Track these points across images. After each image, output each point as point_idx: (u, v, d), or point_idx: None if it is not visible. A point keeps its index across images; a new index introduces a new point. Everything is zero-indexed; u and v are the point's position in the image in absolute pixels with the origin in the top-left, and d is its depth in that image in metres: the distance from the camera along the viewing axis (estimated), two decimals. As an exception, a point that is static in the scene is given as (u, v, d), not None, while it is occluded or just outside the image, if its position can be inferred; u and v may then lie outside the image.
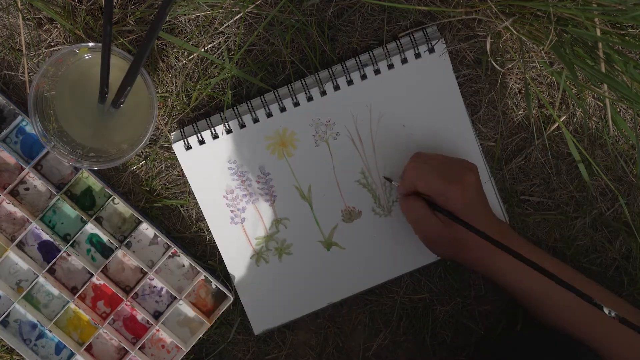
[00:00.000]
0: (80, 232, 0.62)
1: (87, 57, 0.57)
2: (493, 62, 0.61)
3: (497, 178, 0.64)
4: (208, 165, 0.62)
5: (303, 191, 0.63)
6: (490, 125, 0.64)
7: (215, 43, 0.61)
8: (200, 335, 0.63)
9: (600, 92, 0.61)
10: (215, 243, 0.64)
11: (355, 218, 0.64)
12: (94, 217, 0.62)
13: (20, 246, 0.63)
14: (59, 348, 0.64)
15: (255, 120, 0.62)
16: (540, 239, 0.65)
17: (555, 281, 0.49)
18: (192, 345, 0.63)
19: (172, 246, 0.63)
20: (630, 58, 0.54)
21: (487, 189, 0.63)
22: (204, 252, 0.65)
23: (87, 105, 0.57)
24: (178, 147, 0.62)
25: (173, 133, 0.62)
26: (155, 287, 0.64)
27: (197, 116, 0.63)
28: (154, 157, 0.63)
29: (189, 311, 0.64)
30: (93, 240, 0.64)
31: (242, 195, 0.63)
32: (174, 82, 0.62)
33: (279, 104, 0.61)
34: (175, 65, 0.62)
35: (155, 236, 0.64)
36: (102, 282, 0.63)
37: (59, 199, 0.62)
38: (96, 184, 0.63)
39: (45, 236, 0.63)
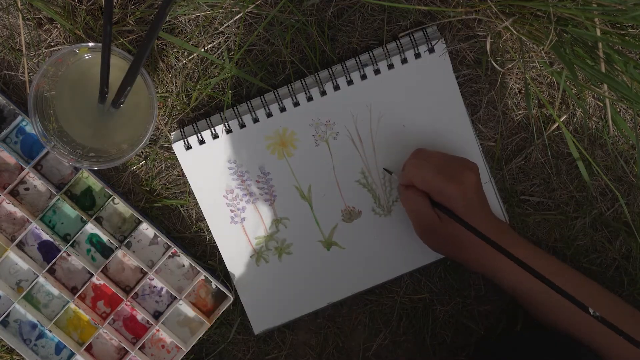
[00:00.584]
0: (80, 232, 0.62)
1: (87, 57, 0.57)
2: (493, 62, 0.61)
3: (497, 178, 0.64)
4: (208, 165, 0.62)
5: (303, 191, 0.63)
6: (490, 125, 0.64)
7: (215, 43, 0.61)
8: (200, 335, 0.63)
9: (600, 92, 0.61)
10: (215, 243, 0.64)
11: (355, 218, 0.64)
12: (94, 217, 0.62)
13: (20, 246, 0.63)
14: (59, 348, 0.64)
15: (255, 120, 0.62)
16: (540, 239, 0.65)
17: (547, 284, 0.49)
18: (192, 345, 0.63)
19: (172, 246, 0.63)
20: (630, 58, 0.54)
21: (487, 189, 0.63)
22: (204, 252, 0.65)
23: (87, 105, 0.57)
24: (178, 147, 0.62)
25: (173, 133, 0.62)
26: (155, 287, 0.64)
27: (197, 116, 0.63)
28: (154, 157, 0.63)
29: (189, 311, 0.64)
30: (93, 240, 0.64)
31: (242, 195, 0.63)
32: (174, 82, 0.62)
33: (279, 104, 0.61)
34: (175, 65, 0.62)
35: (155, 236, 0.64)
36: (102, 282, 0.63)
37: (59, 199, 0.62)
38: (96, 184, 0.63)
39: (45, 236, 0.63)
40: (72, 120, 0.58)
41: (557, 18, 0.54)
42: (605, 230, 0.65)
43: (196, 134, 0.61)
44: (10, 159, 0.63)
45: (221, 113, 0.62)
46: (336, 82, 0.61)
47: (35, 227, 0.63)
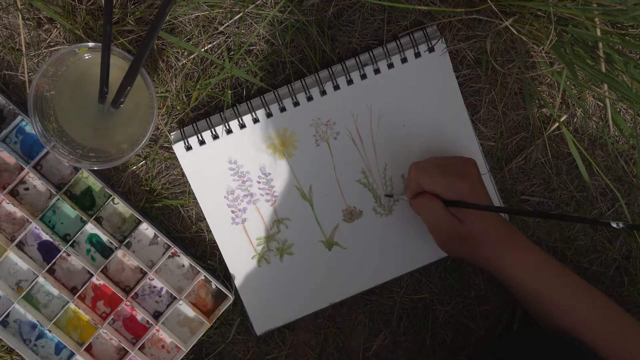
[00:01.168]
0: (80, 232, 0.62)
1: (87, 57, 0.57)
2: (493, 62, 0.61)
3: (497, 178, 0.64)
4: (208, 166, 0.62)
5: (304, 191, 0.63)
6: (490, 125, 0.64)
7: (215, 43, 0.61)
8: (200, 335, 0.63)
9: (601, 92, 0.61)
10: (215, 243, 0.64)
11: (356, 218, 0.64)
12: (93, 217, 0.62)
13: (20, 246, 0.63)
14: (58, 348, 0.64)
15: (256, 121, 0.62)
16: (540, 239, 0.65)
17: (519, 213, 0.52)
18: (192, 345, 0.63)
19: (172, 246, 0.62)
20: (630, 58, 0.54)
21: (487, 189, 0.63)
22: (204, 252, 0.65)
23: (87, 105, 0.57)
24: (178, 148, 0.62)
25: (173, 133, 0.62)
26: (155, 287, 0.64)
27: (197, 116, 0.63)
28: (154, 157, 0.63)
29: (188, 311, 0.64)
30: (93, 240, 0.64)
31: (242, 196, 0.63)
32: (174, 82, 0.62)
33: (279, 104, 0.61)
34: (175, 65, 0.62)
35: (155, 236, 0.64)
36: (102, 282, 0.63)
37: (58, 199, 0.62)
38: (96, 184, 0.63)
39: (45, 236, 0.63)
40: (72, 120, 0.58)
41: (557, 18, 0.54)
42: (605, 230, 0.65)
43: (196, 134, 0.61)
44: (10, 159, 0.63)
45: (221, 113, 0.61)
46: (336, 81, 0.61)
47: (35, 227, 0.63)
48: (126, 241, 0.63)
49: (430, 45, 0.61)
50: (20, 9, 0.60)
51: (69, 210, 0.63)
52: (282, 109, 0.61)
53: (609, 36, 0.55)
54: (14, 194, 0.63)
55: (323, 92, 0.61)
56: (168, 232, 0.65)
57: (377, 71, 0.61)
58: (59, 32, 0.61)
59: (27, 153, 0.63)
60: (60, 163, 0.63)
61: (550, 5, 0.52)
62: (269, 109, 0.61)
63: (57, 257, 0.63)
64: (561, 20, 0.54)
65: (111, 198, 0.62)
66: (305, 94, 0.61)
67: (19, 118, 0.62)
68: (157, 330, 0.64)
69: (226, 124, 0.61)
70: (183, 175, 0.64)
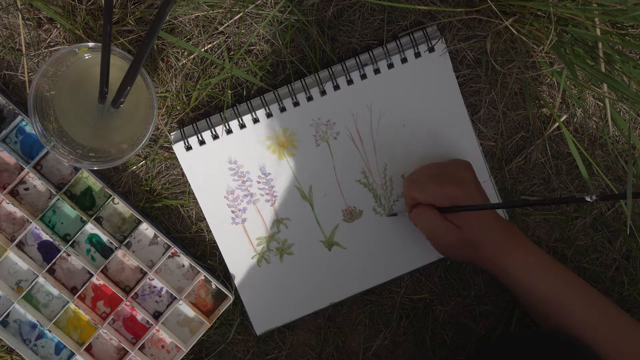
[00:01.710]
0: (80, 232, 0.62)
1: (87, 57, 0.57)
2: (493, 62, 0.61)
3: (497, 178, 0.64)
4: (208, 165, 0.62)
5: (304, 191, 0.63)
6: (490, 125, 0.64)
7: (215, 43, 0.61)
8: (200, 335, 0.63)
9: (600, 92, 0.61)
10: (215, 243, 0.64)
11: (356, 218, 0.64)
12: (93, 217, 0.62)
13: (20, 246, 0.63)
14: (58, 348, 0.64)
15: (256, 121, 0.62)
16: (540, 238, 0.65)
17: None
18: (192, 345, 0.63)
19: (172, 246, 0.62)
20: (630, 58, 0.54)
21: (488, 189, 0.63)
22: (204, 252, 0.65)
23: (87, 105, 0.57)
24: (178, 148, 0.62)
25: (173, 133, 0.62)
26: (155, 287, 0.64)
27: (197, 116, 0.63)
28: (154, 157, 0.63)
29: (188, 311, 0.64)
30: (93, 240, 0.64)
31: (242, 196, 0.63)
32: (174, 82, 0.62)
33: (279, 104, 0.61)
34: (175, 65, 0.62)
35: (155, 236, 0.64)
36: (102, 282, 0.63)
37: (58, 199, 0.62)
38: (96, 184, 0.63)
39: (45, 236, 0.63)
40: (72, 120, 0.58)
41: (557, 18, 0.54)
42: (605, 230, 0.65)
43: (196, 134, 0.61)
44: (10, 159, 0.63)
45: (221, 113, 0.61)
46: (336, 81, 0.61)
47: (35, 227, 0.63)
48: (126, 241, 0.63)
49: (430, 45, 0.61)
50: (20, 9, 0.60)
51: (69, 210, 0.63)
52: (282, 109, 0.61)
53: (608, 36, 0.55)
54: (14, 194, 0.63)
55: (323, 92, 0.61)
56: (168, 232, 0.65)
57: (377, 71, 0.61)
58: (59, 32, 0.61)
59: (27, 153, 0.63)
60: (60, 163, 0.63)
61: (550, 5, 0.52)
62: (269, 109, 0.61)
63: (57, 257, 0.63)
64: (561, 20, 0.54)
65: (111, 198, 0.62)
66: (305, 94, 0.61)
67: (19, 118, 0.62)
68: (157, 330, 0.64)
69: (226, 124, 0.61)
70: (183, 175, 0.64)
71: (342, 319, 0.66)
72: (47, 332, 0.63)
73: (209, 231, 0.64)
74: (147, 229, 0.63)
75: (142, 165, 0.63)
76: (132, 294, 0.63)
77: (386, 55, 0.61)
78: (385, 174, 0.63)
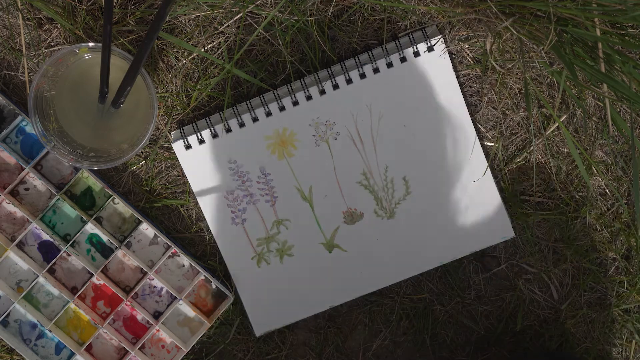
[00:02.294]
0: (80, 232, 0.62)
1: (87, 57, 0.57)
2: (493, 62, 0.61)
3: (497, 178, 0.64)
4: (208, 165, 0.62)
5: (304, 192, 0.63)
6: (490, 125, 0.64)
7: (215, 43, 0.61)
8: (200, 335, 0.63)
9: (600, 92, 0.61)
10: (215, 243, 0.64)
11: (357, 220, 0.63)
12: (94, 217, 0.62)
13: (20, 246, 0.63)
14: (59, 348, 0.64)
15: (255, 120, 0.62)
16: (540, 239, 0.65)
17: None
18: (192, 345, 0.63)
19: (172, 246, 0.63)
20: (630, 58, 0.54)
21: (488, 189, 0.63)
22: (204, 252, 0.65)
23: (87, 105, 0.57)
24: (178, 147, 0.62)
25: (173, 132, 0.62)
26: (155, 287, 0.64)
27: (197, 116, 0.63)
28: (154, 157, 0.63)
29: (189, 311, 0.64)
30: (93, 240, 0.64)
31: (242, 196, 0.63)
32: (174, 82, 0.62)
33: (278, 103, 0.61)
34: (175, 65, 0.62)
35: (155, 236, 0.64)
36: (102, 282, 0.63)
37: (59, 199, 0.62)
38: (96, 184, 0.63)
39: (45, 236, 0.63)
40: (72, 120, 0.58)
41: (557, 18, 0.54)
42: (605, 230, 0.65)
43: (196, 133, 0.61)
44: (10, 159, 0.63)
45: (221, 113, 0.61)
46: (335, 80, 0.61)
47: (35, 227, 0.63)
48: (126, 241, 0.63)
49: (429, 45, 0.61)
50: (20, 9, 0.60)
51: (69, 210, 0.63)
52: (282, 108, 0.61)
53: (608, 36, 0.55)
54: (14, 194, 0.63)
55: (322, 92, 0.61)
56: (168, 232, 0.65)
57: (376, 70, 0.61)
58: (59, 32, 0.61)
59: (27, 153, 0.63)
60: (61, 163, 0.63)
61: (550, 5, 0.52)
62: (268, 107, 0.61)
63: (57, 257, 0.63)
64: (561, 20, 0.54)
65: (111, 198, 0.62)
66: (304, 93, 0.61)
67: (19, 118, 0.62)
68: (157, 330, 0.64)
69: (226, 123, 0.61)
70: (183, 175, 0.64)
71: (342, 319, 0.66)
72: (47, 332, 0.63)
73: (209, 231, 0.64)
74: (147, 229, 0.63)
75: (142, 165, 0.64)
76: (132, 294, 0.63)
77: (385, 54, 0.61)
78: (387, 176, 0.63)
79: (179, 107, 0.62)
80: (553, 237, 0.65)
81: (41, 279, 0.63)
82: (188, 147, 0.62)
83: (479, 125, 0.64)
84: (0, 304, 0.63)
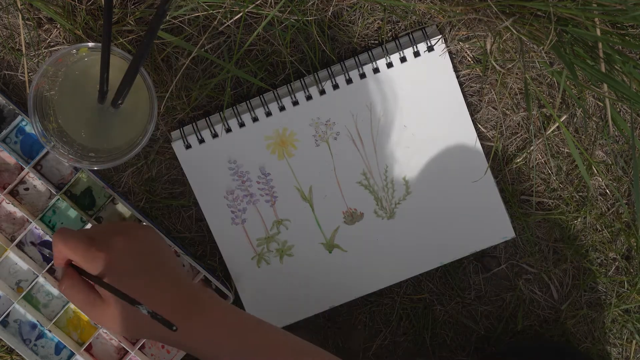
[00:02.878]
0: (80, 232, 0.62)
1: (87, 57, 0.57)
2: (493, 62, 0.61)
3: (497, 178, 0.64)
4: (208, 165, 0.62)
5: (304, 192, 0.63)
6: (490, 125, 0.64)
7: (215, 43, 0.61)
8: (200, 335, 0.63)
9: (600, 92, 0.61)
10: (215, 243, 0.64)
11: (357, 220, 0.63)
12: (93, 217, 0.62)
13: (20, 246, 0.63)
14: (58, 348, 0.64)
15: (255, 119, 0.62)
16: (540, 238, 0.65)
17: (112, 291, 0.49)
18: (192, 345, 0.63)
19: (172, 246, 0.62)
20: (630, 58, 0.54)
21: (488, 189, 0.63)
22: (204, 252, 0.65)
23: (87, 105, 0.57)
24: (177, 146, 0.62)
25: (173, 132, 0.62)
26: (155, 287, 0.64)
27: (196, 116, 0.63)
28: (154, 157, 0.63)
29: (189, 311, 0.64)
30: (93, 240, 0.64)
31: (242, 196, 0.63)
32: (174, 82, 0.62)
33: (277, 103, 0.61)
34: (175, 65, 0.62)
35: (155, 236, 0.64)
36: (102, 282, 0.63)
37: (59, 199, 0.62)
38: (96, 184, 0.63)
39: (46, 236, 0.63)
40: (72, 120, 0.58)
41: (557, 18, 0.54)
42: (605, 230, 0.65)
43: (195, 133, 0.61)
44: (10, 159, 0.63)
45: (220, 113, 0.61)
46: (335, 80, 0.61)
47: (35, 227, 0.63)
48: (126, 241, 0.63)
49: (429, 45, 0.61)
50: (20, 9, 0.60)
51: (69, 210, 0.63)
52: (282, 108, 0.61)
53: (608, 36, 0.55)
54: (14, 194, 0.63)
55: (322, 92, 0.61)
56: (168, 232, 0.65)
57: (376, 70, 0.61)
58: (59, 32, 0.61)
59: (27, 153, 0.63)
60: (60, 163, 0.63)
61: (550, 5, 0.52)
62: (267, 107, 0.61)
63: (57, 257, 0.63)
64: (561, 20, 0.54)
65: (111, 198, 0.62)
66: (304, 92, 0.61)
67: (19, 118, 0.62)
68: (157, 330, 0.64)
69: (225, 123, 0.61)
70: (183, 175, 0.64)
71: (342, 319, 0.66)
72: (47, 332, 0.63)
73: (209, 231, 0.64)
74: (147, 229, 0.63)
75: (142, 165, 0.63)
76: (132, 294, 0.63)
77: (385, 54, 0.61)
78: (387, 176, 0.63)
79: (179, 107, 0.62)
80: (553, 237, 0.65)
81: (41, 279, 0.63)
82: (188, 147, 0.62)
83: (479, 125, 0.64)
84: (0, 304, 0.63)
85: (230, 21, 0.61)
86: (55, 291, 0.64)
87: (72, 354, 0.63)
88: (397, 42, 0.61)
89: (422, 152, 0.63)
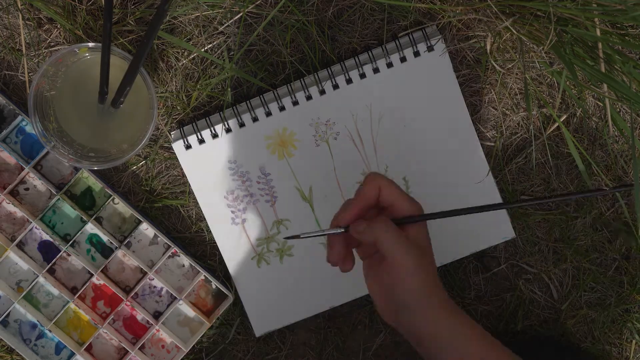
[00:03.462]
0: (80, 232, 0.62)
1: (87, 57, 0.57)
2: (493, 62, 0.61)
3: (497, 178, 0.64)
4: (208, 165, 0.62)
5: (304, 192, 0.63)
6: (490, 125, 0.64)
7: (215, 43, 0.61)
8: (200, 335, 0.63)
9: (600, 92, 0.61)
10: (215, 243, 0.64)
11: (357, 219, 0.63)
12: (94, 217, 0.62)
13: (20, 246, 0.63)
14: (59, 348, 0.64)
15: (255, 120, 0.62)
16: (540, 238, 0.65)
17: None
18: (192, 345, 0.63)
19: (172, 246, 0.62)
20: (630, 58, 0.54)
21: (488, 189, 0.63)
22: (204, 252, 0.65)
23: (87, 105, 0.57)
24: (178, 147, 0.62)
25: (173, 132, 0.62)
26: (155, 287, 0.64)
27: (197, 116, 0.63)
28: (154, 157, 0.63)
29: (189, 311, 0.64)
30: (93, 240, 0.64)
31: (242, 196, 0.63)
32: (174, 82, 0.62)
33: (277, 103, 0.61)
34: (175, 65, 0.62)
35: (155, 236, 0.64)
36: (102, 282, 0.63)
37: (59, 199, 0.62)
38: (96, 184, 0.63)
39: (45, 236, 0.63)
40: (72, 120, 0.58)
41: (557, 18, 0.54)
42: (605, 230, 0.65)
43: (196, 133, 0.61)
44: (10, 159, 0.63)
45: (221, 113, 0.61)
46: (335, 80, 0.61)
47: (35, 227, 0.63)
48: (126, 241, 0.63)
49: (429, 45, 0.61)
50: (20, 9, 0.60)
51: (69, 210, 0.63)
52: (282, 108, 0.61)
53: (608, 36, 0.55)
54: (14, 194, 0.63)
55: (322, 92, 0.61)
56: (168, 232, 0.65)
57: (376, 70, 0.61)
58: (59, 32, 0.61)
59: (27, 153, 0.63)
60: (60, 163, 0.63)
61: (550, 5, 0.52)
62: (268, 107, 0.61)
63: (57, 257, 0.63)
64: (561, 20, 0.54)
65: (111, 198, 0.62)
66: (304, 93, 0.61)
67: (19, 118, 0.62)
68: (157, 330, 0.64)
69: (226, 123, 0.61)
70: (183, 175, 0.64)
71: (342, 319, 0.66)
72: (47, 332, 0.63)
73: (209, 231, 0.64)
74: (147, 229, 0.63)
75: (142, 165, 0.64)
76: (132, 294, 0.63)
77: (385, 54, 0.61)
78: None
79: (179, 107, 0.62)
80: (553, 237, 0.65)
81: (41, 279, 0.63)
82: (188, 147, 0.62)
83: (479, 125, 0.64)
84: (0, 304, 0.63)
85: (230, 21, 0.61)
86: (55, 291, 0.64)
87: (72, 354, 0.63)
88: (397, 42, 0.61)
89: (422, 152, 0.63)
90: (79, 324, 0.64)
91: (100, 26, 0.60)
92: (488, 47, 0.60)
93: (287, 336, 0.66)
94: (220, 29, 0.61)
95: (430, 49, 0.61)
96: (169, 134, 0.62)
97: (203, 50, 0.61)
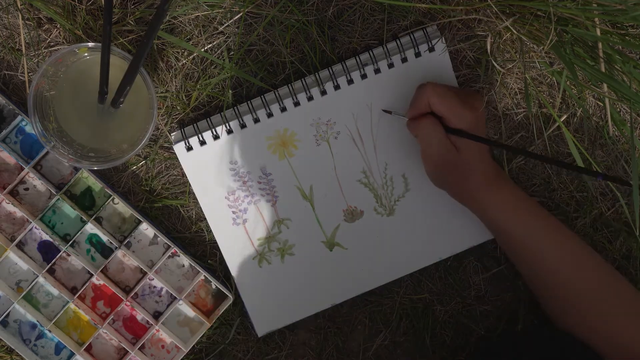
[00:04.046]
0: (80, 232, 0.62)
1: (87, 57, 0.57)
2: (493, 62, 0.61)
3: (497, 178, 0.64)
4: (209, 166, 0.62)
5: (304, 191, 0.63)
6: (490, 125, 0.64)
7: (215, 43, 0.61)
8: (200, 335, 0.63)
9: (600, 92, 0.61)
10: (215, 243, 0.64)
11: (357, 218, 0.64)
12: (93, 217, 0.62)
13: (20, 246, 0.63)
14: (58, 348, 0.64)
15: (256, 121, 0.62)
16: (540, 238, 0.65)
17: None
18: (192, 345, 0.63)
19: (172, 246, 0.62)
20: (630, 58, 0.54)
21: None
22: (204, 252, 0.65)
23: (87, 105, 0.57)
24: (179, 149, 0.62)
25: (173, 134, 0.62)
26: (155, 287, 0.64)
27: (197, 116, 0.63)
28: (154, 157, 0.63)
29: (188, 311, 0.64)
30: (93, 240, 0.64)
31: (243, 196, 0.63)
32: (174, 82, 0.62)
33: (279, 104, 0.61)
34: (175, 65, 0.62)
35: (155, 236, 0.64)
36: (102, 282, 0.63)
37: (58, 199, 0.62)
38: (96, 184, 0.63)
39: (45, 236, 0.63)
40: (72, 120, 0.58)
41: (557, 18, 0.54)
42: (605, 230, 0.65)
43: (197, 135, 0.61)
44: (10, 159, 0.63)
45: (222, 113, 0.61)
46: (336, 81, 0.61)
47: (35, 227, 0.63)
48: (126, 241, 0.63)
49: (430, 45, 0.61)
50: (20, 9, 0.60)
51: (69, 210, 0.63)
52: (283, 109, 0.61)
53: (609, 36, 0.55)
54: (14, 194, 0.63)
55: (323, 92, 0.61)
56: (168, 232, 0.65)
57: (377, 71, 0.61)
58: (59, 32, 0.61)
59: (27, 153, 0.63)
60: (60, 163, 0.63)
61: (550, 5, 0.52)
62: (269, 109, 0.61)
63: (57, 257, 0.63)
64: (561, 20, 0.54)
65: (111, 198, 0.62)
66: (306, 93, 0.61)
67: (19, 118, 0.62)
68: (157, 330, 0.64)
69: (227, 124, 0.61)
70: (183, 175, 0.64)
71: (342, 319, 0.66)
72: (47, 332, 0.63)
73: (209, 231, 0.64)
74: (147, 229, 0.63)
75: (142, 165, 0.63)
76: (132, 294, 0.63)
77: (386, 55, 0.61)
78: (386, 174, 0.63)
79: (179, 107, 0.62)
80: (553, 237, 0.65)
81: (41, 279, 0.63)
82: (189, 148, 0.62)
83: (479, 125, 0.64)
84: (0, 304, 0.63)
85: (230, 21, 0.61)
86: (55, 291, 0.64)
87: (72, 354, 0.63)
88: (397, 42, 0.61)
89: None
90: (79, 324, 0.64)
91: (100, 26, 0.60)
92: (488, 47, 0.60)
93: (287, 336, 0.66)
94: (220, 29, 0.61)
95: (431, 49, 0.61)
96: (168, 134, 0.62)
97: (203, 50, 0.61)
